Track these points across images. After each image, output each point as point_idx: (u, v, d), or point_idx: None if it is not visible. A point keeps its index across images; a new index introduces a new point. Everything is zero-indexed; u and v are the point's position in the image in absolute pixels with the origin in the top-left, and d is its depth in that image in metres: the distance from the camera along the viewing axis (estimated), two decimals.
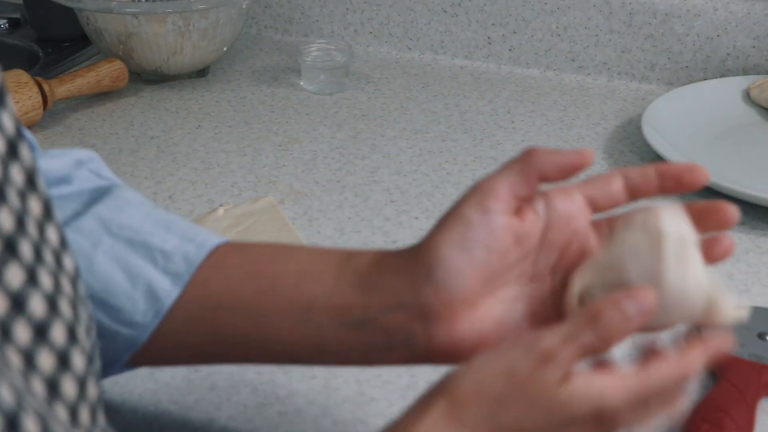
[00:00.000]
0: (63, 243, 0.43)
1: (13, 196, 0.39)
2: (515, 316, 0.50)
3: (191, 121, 1.08)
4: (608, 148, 1.01)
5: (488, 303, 0.49)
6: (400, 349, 0.49)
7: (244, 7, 1.15)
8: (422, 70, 1.20)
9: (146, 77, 1.17)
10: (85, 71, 1.10)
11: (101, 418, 0.43)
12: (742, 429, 0.63)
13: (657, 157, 0.96)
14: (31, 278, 0.39)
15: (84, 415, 0.41)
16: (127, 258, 0.52)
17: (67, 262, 0.43)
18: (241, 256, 0.53)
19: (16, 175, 0.40)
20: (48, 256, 0.41)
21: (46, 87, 1.05)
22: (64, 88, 1.07)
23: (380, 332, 0.49)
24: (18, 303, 0.38)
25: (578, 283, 0.49)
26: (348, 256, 0.51)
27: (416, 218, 0.89)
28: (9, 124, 0.41)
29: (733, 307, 0.49)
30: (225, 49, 1.17)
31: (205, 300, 0.52)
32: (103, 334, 0.50)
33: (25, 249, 0.39)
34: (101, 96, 1.13)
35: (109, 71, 1.11)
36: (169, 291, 0.52)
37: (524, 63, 1.19)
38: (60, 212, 0.49)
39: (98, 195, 0.55)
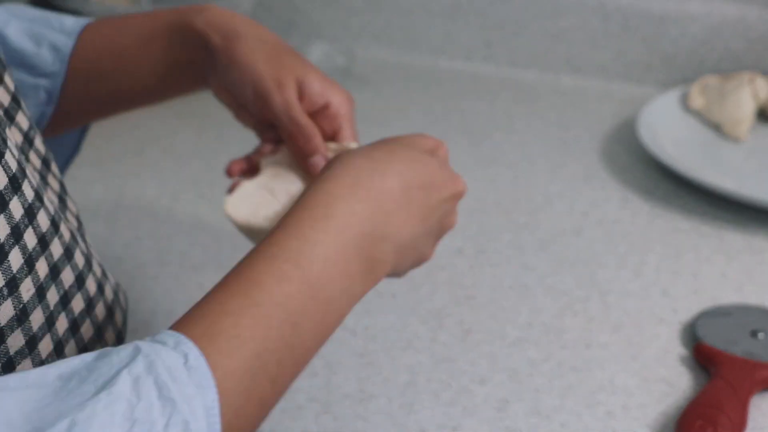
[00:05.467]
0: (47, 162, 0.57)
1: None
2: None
3: (194, 123, 1.09)
4: (604, 149, 1.02)
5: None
6: (190, 81, 0.70)
7: (246, 10, 1.16)
8: (422, 72, 1.21)
9: None
10: None
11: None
12: (735, 425, 0.64)
13: (652, 158, 0.97)
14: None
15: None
16: (31, 27, 0.68)
17: (51, 179, 0.56)
18: (99, 34, 0.70)
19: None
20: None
21: None
22: None
23: (190, 73, 0.68)
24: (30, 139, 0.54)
25: None
26: (175, 18, 0.68)
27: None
28: None
29: None
30: None
31: (85, 73, 0.69)
32: (28, 92, 0.67)
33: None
34: None
35: None
36: (65, 43, 0.68)
37: (522, 65, 1.20)
38: None
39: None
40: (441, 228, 0.58)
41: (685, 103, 1.06)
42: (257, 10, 1.29)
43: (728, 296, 0.78)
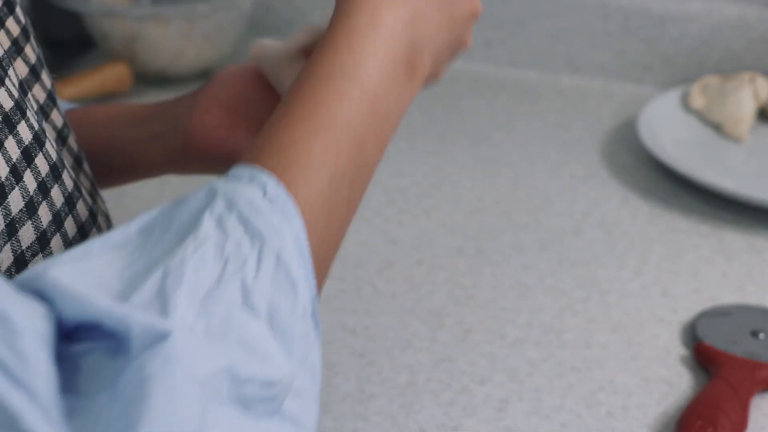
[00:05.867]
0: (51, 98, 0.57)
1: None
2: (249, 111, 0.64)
3: None
4: (605, 149, 1.02)
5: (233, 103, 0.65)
6: (170, 134, 0.65)
7: (246, 10, 1.17)
8: None
9: (150, 80, 1.18)
10: (89, 74, 1.11)
11: None
12: (735, 425, 0.64)
13: (652, 158, 0.97)
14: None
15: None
16: None
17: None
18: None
19: (11, 25, 0.52)
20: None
21: None
22: (68, 90, 1.08)
23: (160, 123, 0.66)
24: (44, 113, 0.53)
25: None
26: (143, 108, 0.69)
27: (416, 218, 0.90)
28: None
29: None
30: (228, 51, 1.18)
31: None
32: None
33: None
34: (106, 98, 1.13)
35: (113, 74, 1.12)
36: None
37: (522, 65, 1.20)
38: None
39: None
40: (459, 44, 0.58)
41: (685, 103, 1.05)
42: (257, 9, 1.29)
43: (728, 296, 0.78)
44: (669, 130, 1.00)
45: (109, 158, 0.66)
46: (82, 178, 0.56)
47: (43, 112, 0.53)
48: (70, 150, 0.56)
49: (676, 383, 0.69)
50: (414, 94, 0.52)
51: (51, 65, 0.65)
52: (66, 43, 1.26)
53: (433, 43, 0.53)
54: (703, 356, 0.70)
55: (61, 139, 0.55)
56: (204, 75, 1.20)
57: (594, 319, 0.76)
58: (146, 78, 1.18)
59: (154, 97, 1.16)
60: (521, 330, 0.75)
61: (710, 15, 1.11)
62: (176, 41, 1.12)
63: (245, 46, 1.28)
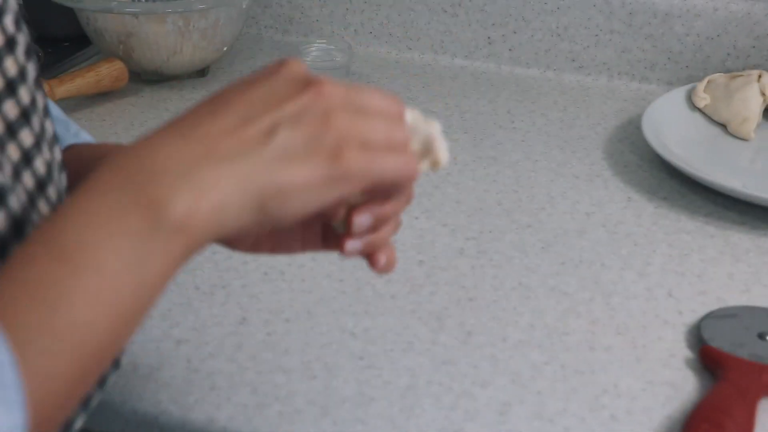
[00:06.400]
0: (46, 111, 0.51)
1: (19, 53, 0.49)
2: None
3: None
4: (608, 148, 1.01)
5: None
6: None
7: (244, 7, 1.16)
8: (422, 70, 1.21)
9: (146, 77, 1.17)
10: (85, 71, 1.10)
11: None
12: (742, 429, 0.63)
13: (656, 157, 0.96)
14: (25, 118, 0.47)
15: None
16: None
17: (48, 126, 0.51)
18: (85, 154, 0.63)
19: (21, 40, 0.48)
20: (36, 118, 0.49)
21: (45, 87, 1.05)
22: (63, 87, 1.07)
23: None
24: (11, 131, 0.46)
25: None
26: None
27: (416, 218, 0.89)
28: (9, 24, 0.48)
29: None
30: (225, 49, 1.17)
31: None
32: None
33: (23, 93, 0.48)
34: (101, 96, 1.13)
35: (109, 71, 1.11)
36: (64, 137, 0.62)
37: (524, 63, 1.20)
38: None
39: None
40: (281, 113, 0.43)
41: (690, 101, 1.05)
42: (254, 7, 1.28)
43: (735, 298, 0.77)
44: (674, 129, 0.99)
45: None
46: (42, 203, 0.49)
47: (10, 130, 0.47)
48: (35, 173, 0.49)
49: (682, 386, 0.68)
50: (180, 237, 0.40)
51: (46, 63, 0.65)
52: (61, 41, 1.25)
53: (190, 166, 0.40)
54: (708, 359, 0.69)
55: (26, 160, 0.48)
56: (201, 72, 1.19)
57: (598, 321, 0.75)
58: (142, 75, 1.17)
59: (150, 94, 1.15)
60: (524, 332, 0.74)
61: (716, 11, 1.10)
62: (172, 38, 1.11)
63: (242, 43, 1.27)
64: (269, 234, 0.55)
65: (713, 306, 0.76)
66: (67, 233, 0.38)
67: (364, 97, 0.46)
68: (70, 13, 1.17)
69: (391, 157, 0.46)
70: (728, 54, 1.11)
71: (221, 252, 0.83)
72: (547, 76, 1.18)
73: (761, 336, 0.71)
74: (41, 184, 0.50)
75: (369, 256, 0.54)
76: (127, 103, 1.12)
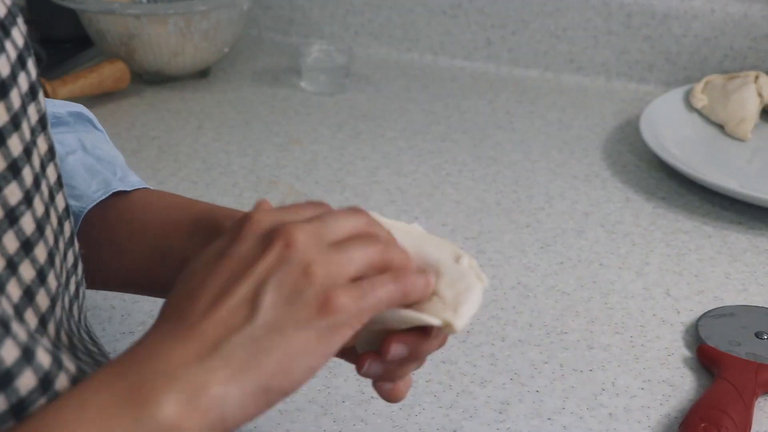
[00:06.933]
0: (59, 182, 0.48)
1: (25, 128, 0.44)
2: None
3: (193, 122, 1.09)
4: (607, 148, 1.02)
5: None
6: None
7: (245, 8, 1.16)
8: (422, 71, 1.21)
9: (148, 78, 1.17)
10: (87, 72, 1.10)
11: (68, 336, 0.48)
12: (739, 427, 0.63)
13: (655, 157, 0.97)
14: (27, 201, 0.44)
15: (50, 327, 0.46)
16: (93, 165, 0.62)
17: (59, 200, 0.48)
18: (131, 203, 0.61)
19: (32, 113, 0.45)
20: (44, 189, 0.46)
21: (48, 88, 1.05)
22: (66, 88, 1.08)
23: None
24: (11, 218, 0.42)
25: None
26: (206, 211, 0.58)
27: (416, 218, 0.89)
28: (32, 69, 0.46)
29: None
30: (226, 50, 1.18)
31: (96, 239, 0.60)
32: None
33: (27, 175, 0.44)
34: (103, 97, 1.13)
35: (111, 72, 1.11)
36: (117, 185, 0.61)
37: (523, 64, 1.20)
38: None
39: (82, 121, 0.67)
40: (254, 273, 0.42)
41: (688, 101, 1.05)
42: (255, 8, 1.28)
43: (732, 297, 0.78)
44: (672, 130, 1.00)
45: (147, 288, 0.60)
46: (40, 140, 0.48)
47: (26, 152, 0.45)
48: (38, 105, 0.47)
49: (679, 385, 0.69)
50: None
51: (48, 64, 0.64)
52: (63, 42, 1.25)
53: (183, 367, 0.39)
54: (706, 357, 0.70)
55: (32, 91, 0.47)
56: (202, 73, 1.19)
57: (596, 321, 0.75)
58: (144, 76, 1.17)
59: (152, 95, 1.15)
60: (522, 331, 0.74)
61: (713, 13, 1.11)
62: (174, 39, 1.12)
63: (243, 44, 1.28)
64: None
65: (711, 305, 0.76)
66: (55, 428, 0.38)
67: (333, 228, 0.44)
68: (72, 15, 1.18)
69: (383, 282, 0.44)
70: (725, 55, 1.11)
71: None
72: (546, 77, 1.18)
73: (758, 335, 0.71)
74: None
75: (383, 382, 0.51)
76: (129, 104, 1.13)
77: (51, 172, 0.48)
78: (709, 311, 0.75)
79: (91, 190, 0.61)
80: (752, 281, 0.80)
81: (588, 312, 0.76)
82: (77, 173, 0.62)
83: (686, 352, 0.72)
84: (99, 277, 0.60)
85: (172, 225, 0.58)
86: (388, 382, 0.51)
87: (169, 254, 0.56)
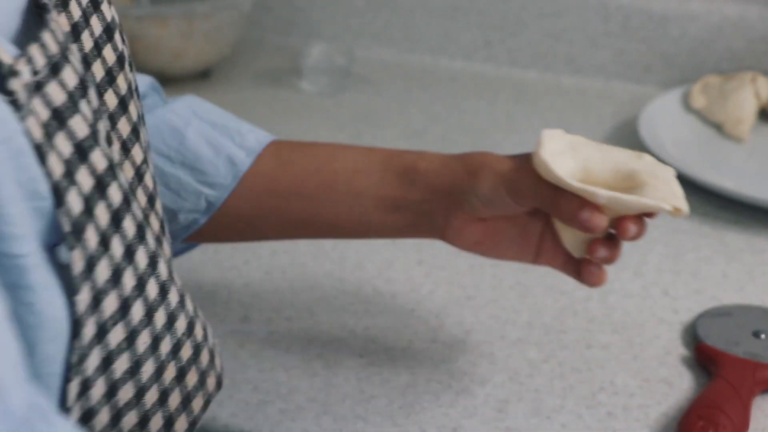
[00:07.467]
0: (146, 160, 0.55)
1: (132, 109, 0.55)
2: (511, 233, 0.64)
3: None
4: None
5: (495, 221, 0.63)
6: (424, 227, 0.65)
7: (246, 10, 1.16)
8: (422, 72, 1.21)
9: None
10: None
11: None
12: (737, 426, 0.63)
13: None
14: (146, 162, 0.55)
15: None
16: (212, 134, 0.67)
17: (148, 180, 0.55)
18: (302, 155, 0.67)
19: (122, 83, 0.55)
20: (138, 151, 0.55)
21: None
22: None
23: (412, 215, 0.64)
24: (138, 175, 0.54)
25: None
26: (390, 156, 0.65)
27: None
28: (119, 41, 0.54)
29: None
30: (228, 51, 1.18)
31: (274, 192, 0.66)
32: (190, 195, 0.66)
33: (143, 134, 0.55)
34: None
35: None
36: (243, 160, 0.66)
37: (522, 65, 1.20)
38: (151, 101, 0.70)
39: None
40: None
41: (686, 103, 1.05)
42: (256, 10, 1.29)
43: (729, 296, 0.78)
44: (669, 131, 1.00)
45: (343, 232, 0.68)
46: (153, 218, 0.55)
47: (125, 148, 0.53)
48: (145, 188, 0.54)
49: (677, 384, 0.69)
50: None
51: None
52: None
53: None
54: (704, 357, 0.70)
55: (138, 176, 0.54)
56: (204, 75, 1.20)
57: (594, 320, 0.76)
58: None
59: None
60: (522, 330, 0.75)
61: (711, 14, 1.11)
62: (176, 41, 1.12)
63: (244, 45, 1.28)
64: (491, 234, 0.63)
65: (708, 304, 0.77)
66: None
67: None
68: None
69: None
70: (723, 57, 1.12)
71: (223, 251, 0.84)
72: (545, 78, 1.18)
73: (755, 334, 0.72)
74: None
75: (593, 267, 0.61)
76: None
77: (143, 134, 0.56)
78: (707, 311, 0.75)
79: (221, 176, 0.66)
80: (749, 281, 0.80)
81: (586, 311, 0.77)
82: (201, 152, 0.66)
83: (684, 351, 0.72)
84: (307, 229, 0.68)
85: (362, 172, 0.65)
86: (597, 267, 0.61)
87: (365, 194, 0.64)
